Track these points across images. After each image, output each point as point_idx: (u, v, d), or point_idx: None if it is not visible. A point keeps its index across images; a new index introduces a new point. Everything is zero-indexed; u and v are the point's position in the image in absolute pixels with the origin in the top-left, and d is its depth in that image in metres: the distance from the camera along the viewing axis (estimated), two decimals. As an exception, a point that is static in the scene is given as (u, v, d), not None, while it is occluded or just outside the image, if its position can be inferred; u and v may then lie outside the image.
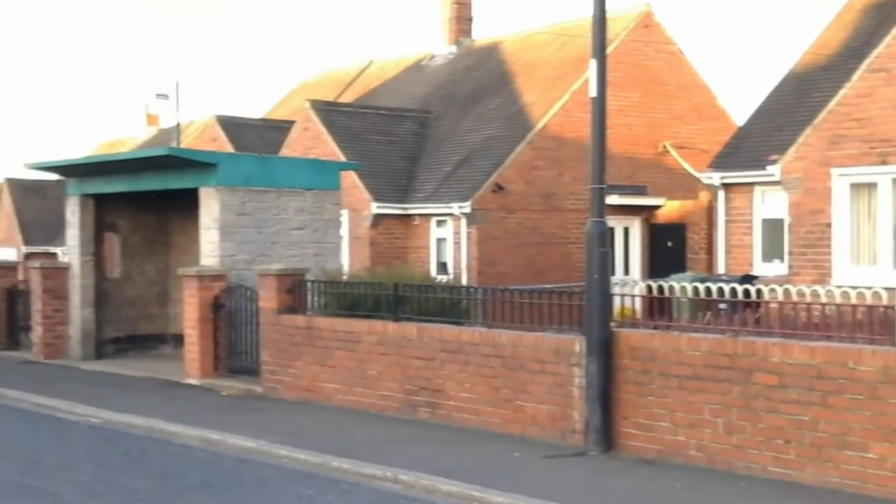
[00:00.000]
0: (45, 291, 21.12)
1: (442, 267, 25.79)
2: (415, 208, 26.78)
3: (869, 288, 11.00)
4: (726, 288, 10.97)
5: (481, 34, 34.32)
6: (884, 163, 17.74)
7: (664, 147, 28.19)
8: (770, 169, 19.37)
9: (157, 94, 40.27)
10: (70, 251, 21.46)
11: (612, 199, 23.09)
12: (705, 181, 21.55)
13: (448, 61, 33.78)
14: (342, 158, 26.13)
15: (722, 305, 11.33)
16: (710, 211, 22.47)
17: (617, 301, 12.37)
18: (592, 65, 11.56)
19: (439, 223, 26.43)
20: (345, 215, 23.02)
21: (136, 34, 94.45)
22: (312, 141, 27.78)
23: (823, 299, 10.70)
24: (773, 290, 11.19)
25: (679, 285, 11.74)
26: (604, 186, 11.61)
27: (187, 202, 19.21)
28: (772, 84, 22.37)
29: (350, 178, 25.07)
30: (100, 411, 14.87)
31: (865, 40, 20.49)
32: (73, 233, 21.23)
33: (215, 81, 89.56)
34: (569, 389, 11.77)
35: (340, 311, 15.04)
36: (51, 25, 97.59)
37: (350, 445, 11.93)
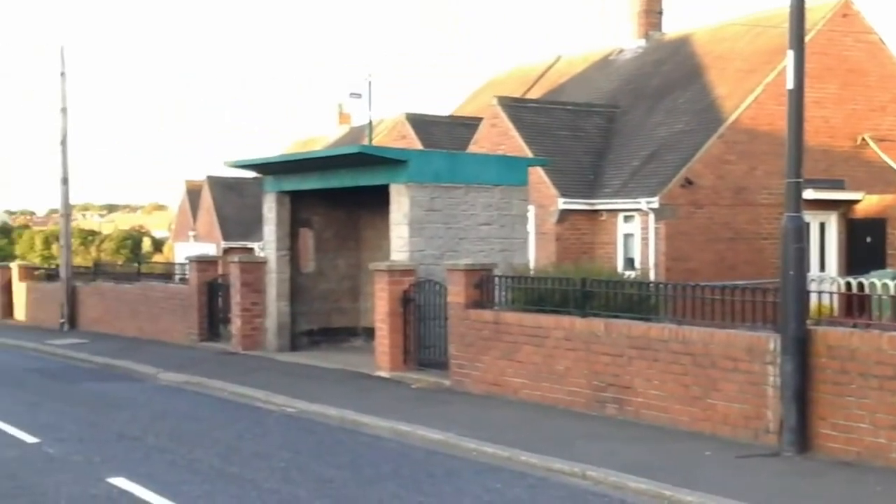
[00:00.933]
0: (243, 285, 21.91)
1: (629, 263, 25.51)
2: (601, 204, 26.58)
3: None
4: (932, 285, 10.51)
5: (671, 28, 33.87)
6: None
7: (863, 139, 27.18)
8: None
9: (351, 93, 41.13)
10: (267, 246, 22.18)
11: (808, 194, 22.35)
12: (908, 175, 20.69)
13: (637, 55, 33.40)
14: (529, 154, 26.14)
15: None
16: (913, 206, 21.58)
17: (813, 298, 12.02)
18: (790, 55, 11.31)
19: (626, 218, 26.16)
20: (531, 211, 23.04)
21: (332, 36, 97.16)
22: (500, 137, 27.90)
23: None
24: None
25: (880, 282, 11.32)
26: (801, 180, 11.37)
27: (376, 198, 19.61)
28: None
29: (537, 174, 25.08)
30: (295, 401, 15.37)
31: None
32: (269, 228, 21.95)
33: (406, 80, 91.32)
34: (762, 388, 11.51)
35: (527, 306, 15.10)
36: (250, 28, 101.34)
37: (537, 440, 11.96)
